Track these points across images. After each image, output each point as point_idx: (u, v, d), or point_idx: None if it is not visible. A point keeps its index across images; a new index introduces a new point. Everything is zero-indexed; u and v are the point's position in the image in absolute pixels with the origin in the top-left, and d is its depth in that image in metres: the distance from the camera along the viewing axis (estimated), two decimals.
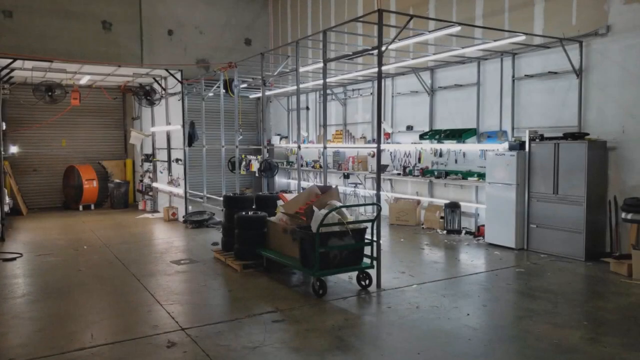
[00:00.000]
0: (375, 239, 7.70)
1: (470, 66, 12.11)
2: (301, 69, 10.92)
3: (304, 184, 14.84)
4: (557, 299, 7.09)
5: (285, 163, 18.28)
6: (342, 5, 16.11)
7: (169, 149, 15.59)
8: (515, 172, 10.03)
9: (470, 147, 11.95)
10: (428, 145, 12.94)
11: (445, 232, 11.90)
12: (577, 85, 9.86)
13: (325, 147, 9.69)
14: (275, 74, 12.50)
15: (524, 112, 10.94)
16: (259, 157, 13.10)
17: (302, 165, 16.16)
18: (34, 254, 10.23)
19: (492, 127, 11.58)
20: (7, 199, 13.39)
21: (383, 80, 12.66)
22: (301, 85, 11.23)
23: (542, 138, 9.90)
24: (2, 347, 5.58)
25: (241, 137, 13.42)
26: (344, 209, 7.68)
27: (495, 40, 10.11)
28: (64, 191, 17.29)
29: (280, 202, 9.30)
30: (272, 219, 8.75)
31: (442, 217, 12.15)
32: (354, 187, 15.15)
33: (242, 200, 9.87)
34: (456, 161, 12.39)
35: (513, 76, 11.11)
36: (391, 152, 14.31)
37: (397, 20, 12.41)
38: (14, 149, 16.03)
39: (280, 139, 18.94)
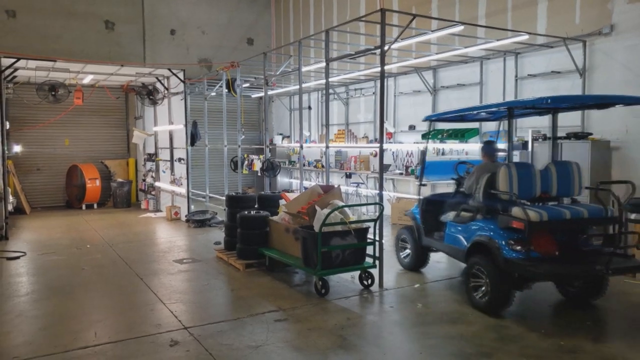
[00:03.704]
0: (377, 238, 7.70)
1: (472, 66, 12.10)
2: (303, 69, 10.92)
3: (306, 183, 14.85)
4: (560, 298, 7.09)
5: (287, 162, 18.28)
6: (345, 4, 16.11)
7: (171, 148, 15.61)
8: None
9: (473, 146, 11.93)
10: (430, 145, 12.91)
11: None
12: (580, 85, 9.85)
13: (327, 147, 9.68)
14: (278, 73, 12.51)
15: None
16: (261, 156, 13.11)
17: (304, 165, 16.15)
18: (37, 252, 10.25)
19: (495, 127, 11.55)
20: (10, 198, 13.42)
21: (385, 79, 12.65)
22: (303, 85, 11.22)
23: (545, 138, 9.89)
24: (6, 346, 5.60)
25: (243, 136, 13.44)
26: (346, 209, 7.69)
27: (498, 40, 10.10)
28: (67, 190, 17.32)
29: (282, 202, 9.29)
30: (275, 218, 8.75)
31: None
32: (356, 186, 15.15)
33: (244, 200, 9.87)
34: None
35: (516, 76, 11.10)
36: (393, 152, 14.30)
37: (400, 19, 12.41)
38: (17, 148, 16.09)
39: (283, 138, 18.95)
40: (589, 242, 6.60)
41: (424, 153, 8.28)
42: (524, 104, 7.20)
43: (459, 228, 7.22)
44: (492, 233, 6.51)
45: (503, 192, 6.55)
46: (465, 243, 6.96)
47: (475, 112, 7.93)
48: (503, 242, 6.29)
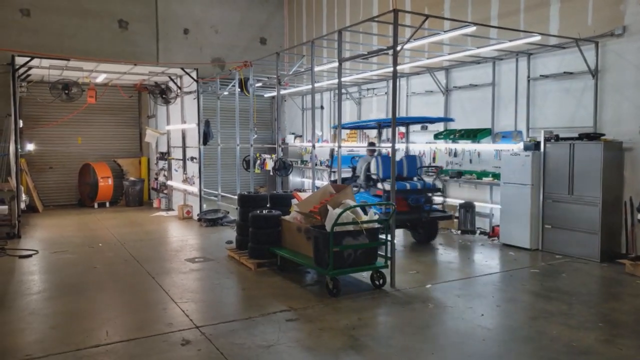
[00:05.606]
0: (389, 238, 7.70)
1: (485, 66, 12.05)
2: (316, 69, 10.92)
3: (318, 183, 14.84)
4: (571, 300, 7.06)
5: (299, 162, 18.30)
6: (357, 5, 16.10)
7: (184, 147, 15.67)
8: (530, 172, 9.97)
9: (485, 147, 11.90)
10: (443, 145, 12.89)
11: (459, 232, 11.85)
12: (592, 86, 9.78)
13: (339, 147, 9.69)
14: (290, 73, 12.53)
15: (539, 113, 10.88)
16: (273, 155, 13.14)
17: (316, 164, 16.16)
18: (49, 251, 10.33)
19: (507, 127, 11.52)
20: (23, 196, 13.53)
21: (398, 79, 12.62)
22: (316, 85, 11.23)
23: (557, 138, 9.83)
24: (19, 344, 5.66)
25: (256, 135, 13.46)
26: (358, 208, 7.69)
27: (510, 41, 10.04)
28: (80, 189, 17.42)
29: (294, 201, 9.31)
30: (287, 217, 8.77)
31: (456, 217, 12.10)
32: None
33: (256, 199, 9.89)
34: (471, 161, 12.34)
35: (528, 76, 11.04)
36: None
37: (413, 20, 12.37)
38: (30, 147, 16.19)
39: (295, 137, 18.97)
40: (425, 202, 10.42)
41: (332, 150, 11.88)
42: (378, 121, 11.22)
43: None
44: (367, 199, 9.83)
45: (373, 174, 10.37)
46: None
47: (364, 123, 12.24)
48: (372, 204, 9.51)
